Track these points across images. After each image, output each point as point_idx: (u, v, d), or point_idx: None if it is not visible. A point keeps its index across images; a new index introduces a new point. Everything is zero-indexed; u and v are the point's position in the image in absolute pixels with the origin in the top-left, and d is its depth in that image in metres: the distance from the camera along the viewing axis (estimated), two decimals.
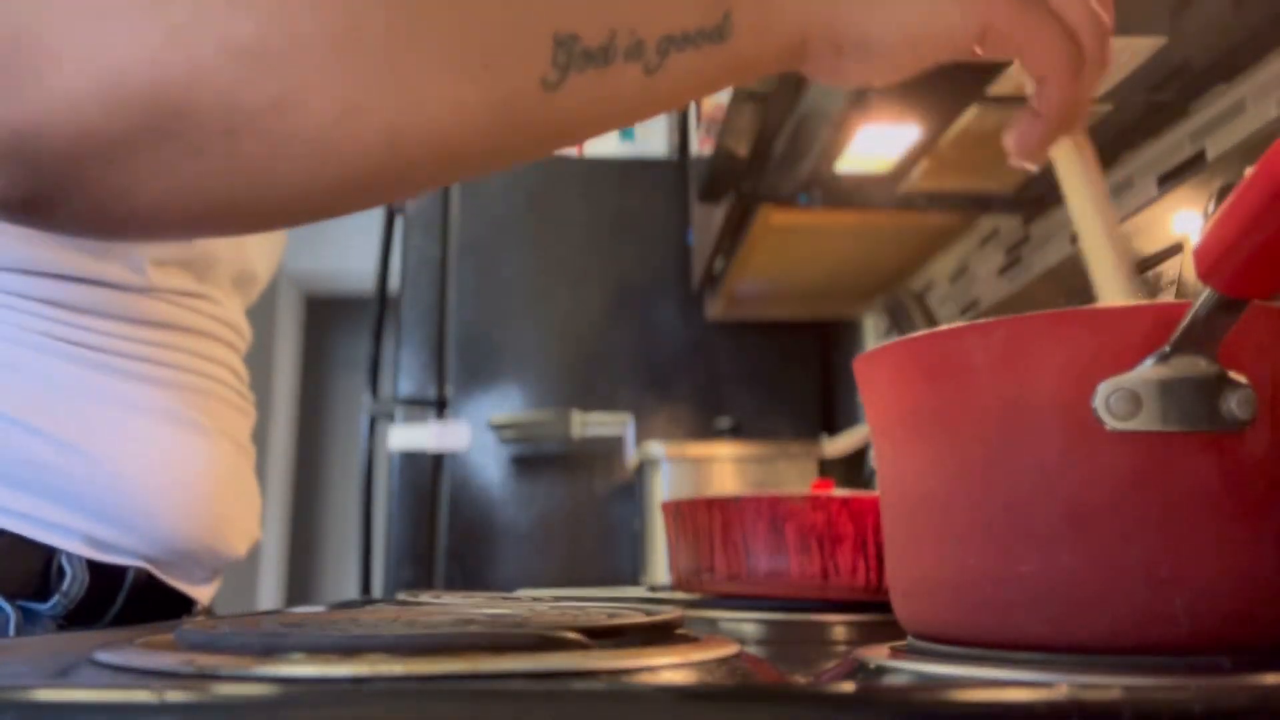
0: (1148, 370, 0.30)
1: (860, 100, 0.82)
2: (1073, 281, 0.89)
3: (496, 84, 0.38)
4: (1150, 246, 0.78)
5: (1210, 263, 0.28)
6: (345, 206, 0.40)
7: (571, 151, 1.94)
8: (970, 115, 0.84)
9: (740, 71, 0.42)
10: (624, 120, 0.42)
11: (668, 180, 1.84)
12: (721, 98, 1.13)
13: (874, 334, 1.62)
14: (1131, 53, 0.73)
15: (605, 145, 1.95)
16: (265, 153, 0.36)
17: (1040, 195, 1.02)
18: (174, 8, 0.34)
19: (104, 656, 0.30)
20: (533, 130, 0.40)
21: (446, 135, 0.38)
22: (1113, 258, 0.44)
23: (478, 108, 0.38)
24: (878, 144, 0.92)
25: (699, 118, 1.35)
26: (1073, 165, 0.47)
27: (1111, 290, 0.42)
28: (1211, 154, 0.79)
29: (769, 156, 1.05)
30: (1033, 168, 0.48)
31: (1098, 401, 0.30)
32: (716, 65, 0.41)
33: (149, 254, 0.65)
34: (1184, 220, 0.73)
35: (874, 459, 1.43)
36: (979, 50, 0.43)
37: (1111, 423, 0.30)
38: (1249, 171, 0.26)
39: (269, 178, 0.37)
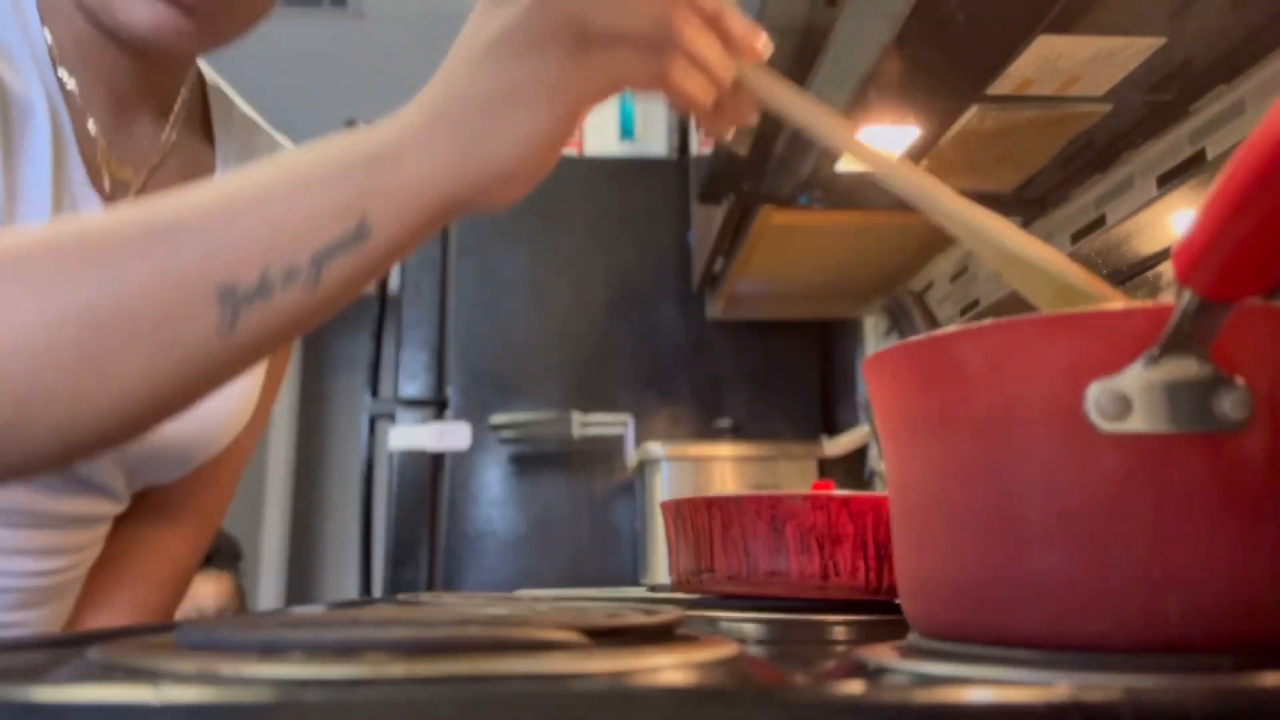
0: (1137, 372, 0.30)
1: (861, 100, 0.82)
2: None
3: (180, 351, 0.43)
4: (1150, 246, 0.78)
5: (1188, 265, 0.28)
6: (82, 458, 0.46)
7: (572, 151, 1.94)
8: (970, 115, 0.84)
9: (391, 258, 0.45)
10: (298, 331, 0.46)
11: (668, 180, 1.84)
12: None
13: (874, 334, 1.62)
14: (1132, 53, 0.73)
15: (605, 145, 1.95)
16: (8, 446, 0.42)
17: (1040, 196, 1.02)
18: None
19: (103, 656, 0.30)
20: (218, 370, 0.45)
21: (150, 402, 0.43)
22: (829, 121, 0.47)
23: (169, 374, 0.43)
24: (878, 144, 0.92)
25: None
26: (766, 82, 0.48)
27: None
28: (1211, 154, 0.79)
29: (769, 156, 1.05)
30: (736, 124, 0.49)
31: (1088, 404, 0.30)
32: (367, 261, 0.44)
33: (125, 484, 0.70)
34: (1184, 220, 0.73)
35: (875, 459, 1.43)
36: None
37: (1102, 424, 0.30)
38: (1222, 174, 0.26)
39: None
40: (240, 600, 1.96)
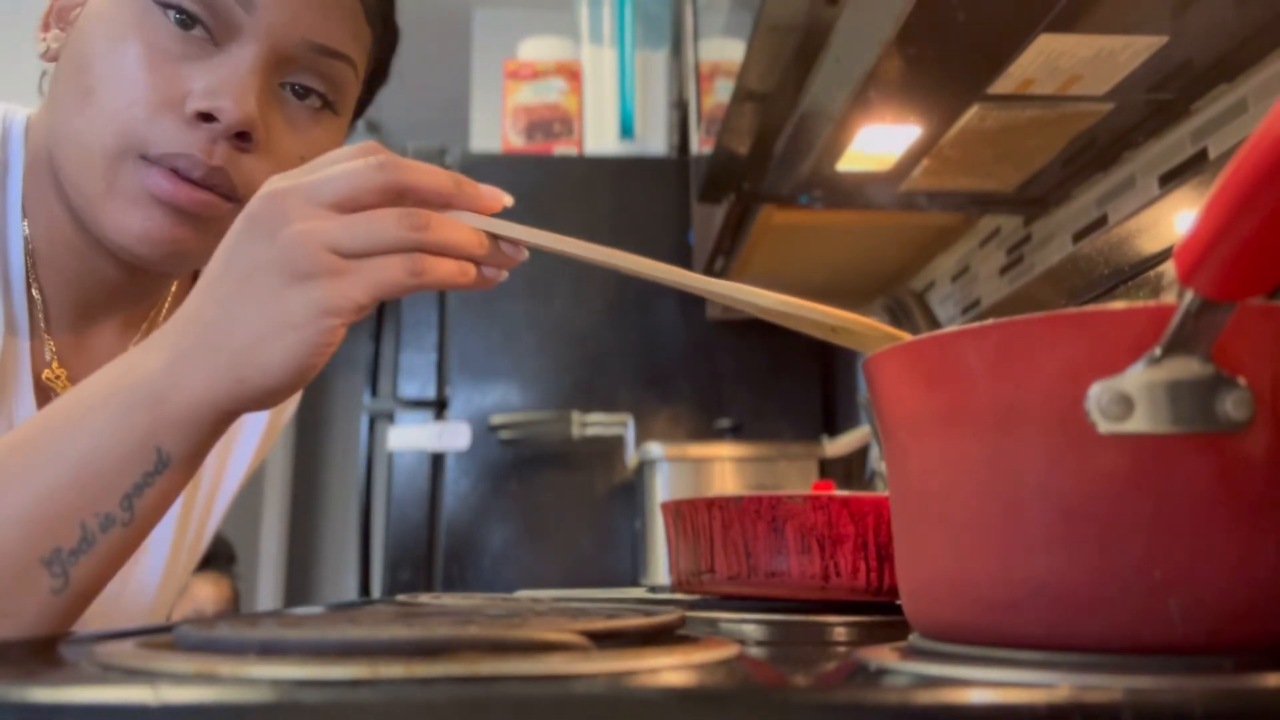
0: (1139, 372, 0.30)
1: (861, 100, 0.82)
2: (1074, 281, 0.89)
3: (19, 615, 0.45)
4: (1151, 246, 0.78)
5: (1190, 266, 0.28)
6: None
7: (572, 151, 1.94)
8: (971, 115, 0.84)
9: (191, 471, 0.49)
10: (126, 559, 0.49)
11: (668, 180, 1.83)
12: (722, 97, 1.13)
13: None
14: (1133, 52, 0.73)
15: (605, 145, 1.95)
16: None
17: (1041, 195, 1.02)
18: None
19: (103, 657, 0.30)
20: (65, 618, 0.48)
21: None
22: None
23: (16, 629, 0.45)
24: (879, 143, 0.92)
25: (699, 117, 1.35)
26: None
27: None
28: (1213, 153, 0.79)
29: (769, 156, 1.05)
30: (504, 272, 0.54)
31: (1090, 404, 0.30)
32: (173, 483, 0.48)
33: None
34: (1186, 220, 0.73)
35: (876, 460, 1.43)
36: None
37: (1104, 425, 0.30)
38: (1223, 174, 0.26)
39: None
40: (236, 603, 1.97)
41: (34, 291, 0.64)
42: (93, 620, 0.69)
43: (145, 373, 0.47)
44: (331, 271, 0.46)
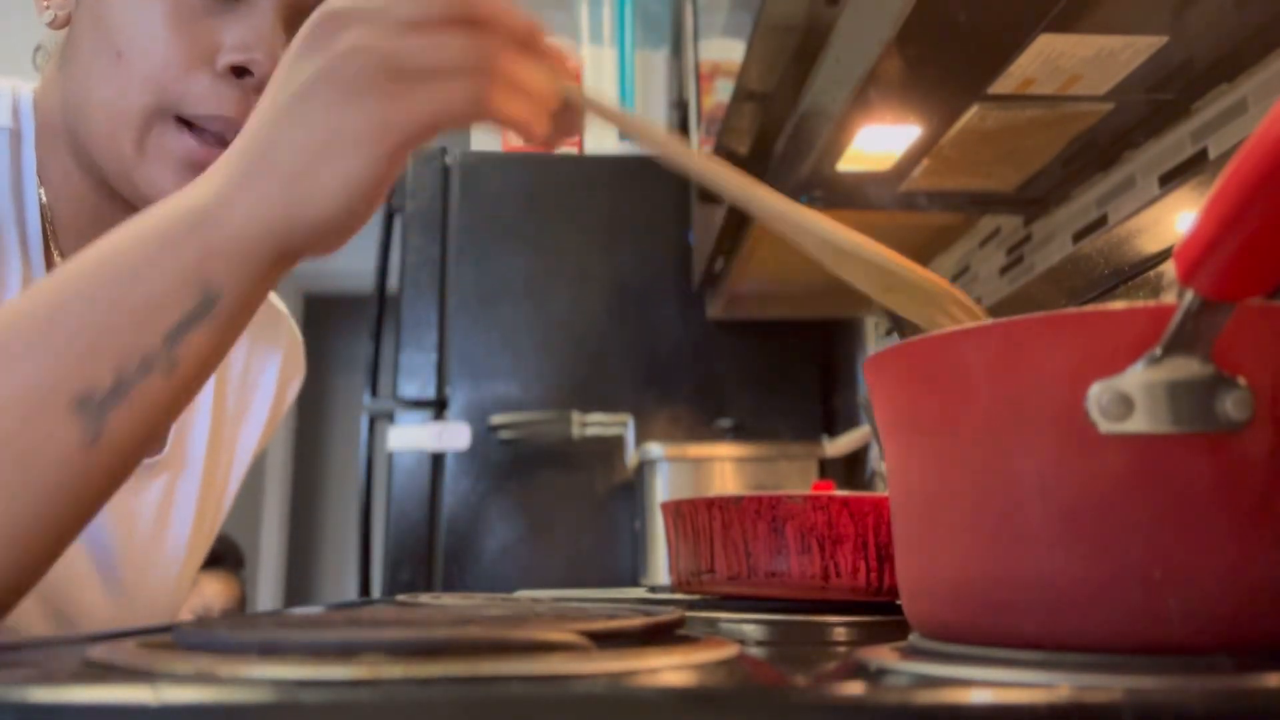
0: (1139, 372, 0.30)
1: (861, 100, 0.82)
2: (1074, 281, 0.89)
3: (44, 469, 0.40)
4: (1152, 246, 0.78)
5: (1190, 266, 0.28)
6: None
7: (572, 150, 1.94)
8: (971, 114, 0.84)
9: (242, 318, 0.44)
10: (169, 419, 0.44)
11: (668, 180, 1.83)
12: (722, 97, 1.13)
13: (874, 334, 1.62)
14: (1133, 52, 0.73)
15: (605, 145, 1.95)
16: None
17: (1042, 195, 1.02)
18: None
19: (102, 657, 0.30)
20: (89, 489, 0.42)
21: (25, 539, 0.40)
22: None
23: (38, 495, 0.40)
24: (879, 143, 0.92)
25: (699, 117, 1.35)
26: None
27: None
28: (1213, 153, 0.79)
29: (769, 156, 1.05)
30: (557, 142, 0.49)
31: (1090, 403, 0.30)
32: (220, 328, 0.43)
33: None
34: (1186, 220, 0.73)
35: (876, 459, 1.43)
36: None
37: (1104, 424, 0.30)
38: (1223, 174, 0.26)
39: None
40: (243, 602, 1.98)
41: (56, 257, 0.64)
42: (127, 596, 0.70)
43: (194, 201, 0.43)
44: (390, 89, 0.42)
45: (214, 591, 1.89)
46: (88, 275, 0.42)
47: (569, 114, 0.47)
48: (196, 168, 0.58)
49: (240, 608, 1.97)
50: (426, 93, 0.42)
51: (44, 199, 0.64)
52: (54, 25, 0.63)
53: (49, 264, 0.64)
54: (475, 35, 0.43)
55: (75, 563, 0.67)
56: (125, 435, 0.42)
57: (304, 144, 0.42)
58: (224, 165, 0.44)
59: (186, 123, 0.59)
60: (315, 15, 0.43)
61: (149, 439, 0.43)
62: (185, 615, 1.82)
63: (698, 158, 0.46)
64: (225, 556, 1.94)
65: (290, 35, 0.61)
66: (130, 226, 0.43)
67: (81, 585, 0.68)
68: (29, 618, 0.64)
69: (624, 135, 0.49)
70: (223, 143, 0.59)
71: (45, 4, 0.64)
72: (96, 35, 0.59)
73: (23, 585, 0.43)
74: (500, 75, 0.43)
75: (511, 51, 0.44)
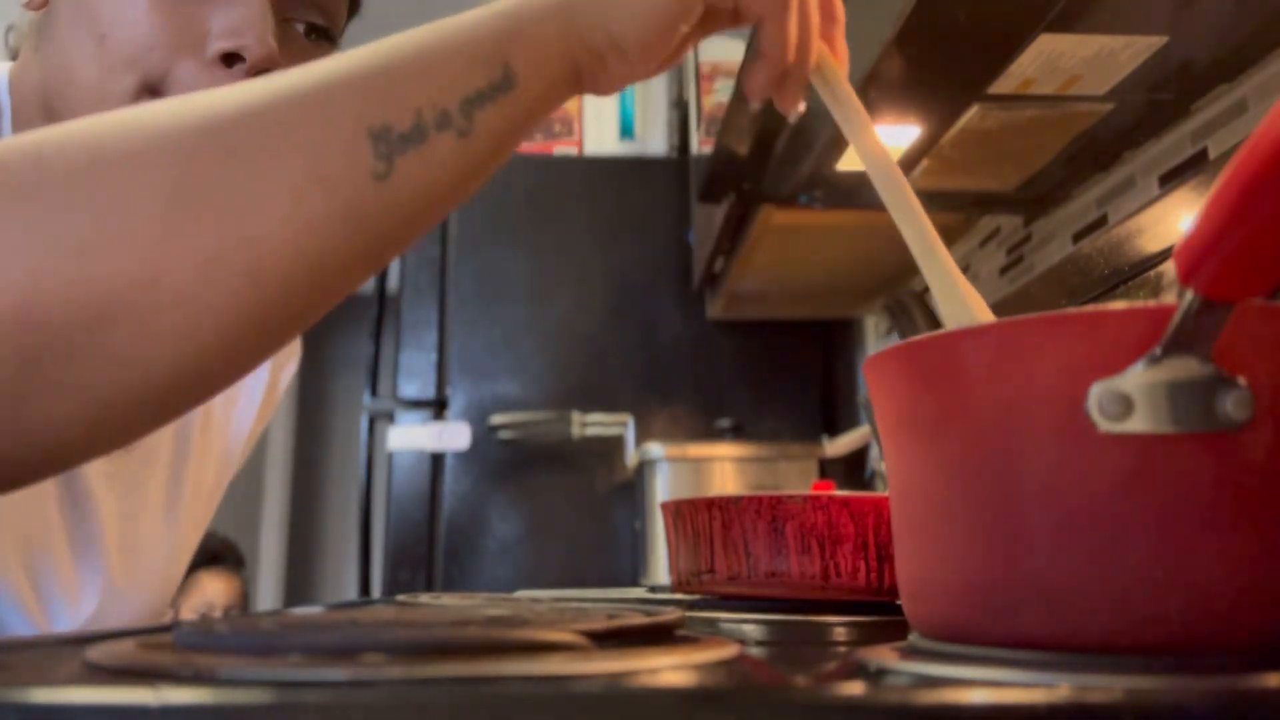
0: (1139, 372, 0.30)
1: (862, 99, 0.82)
2: (1074, 281, 0.89)
3: (333, 192, 0.39)
4: (1152, 246, 0.78)
5: (1189, 265, 0.28)
6: (235, 368, 0.41)
7: (571, 150, 1.94)
8: (971, 115, 0.84)
9: (536, 112, 0.46)
10: (456, 191, 0.44)
11: (668, 180, 1.83)
12: (722, 97, 1.13)
13: (874, 334, 1.62)
14: (1133, 52, 0.73)
15: (605, 145, 1.95)
16: (139, 333, 0.36)
17: (1041, 195, 1.02)
18: (6, 229, 0.35)
19: (102, 657, 0.30)
20: (378, 225, 0.41)
21: (304, 257, 0.39)
22: (896, 178, 0.51)
23: (324, 220, 0.39)
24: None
25: (699, 117, 1.35)
26: (835, 91, 0.52)
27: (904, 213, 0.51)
28: (1213, 153, 0.79)
29: (769, 156, 1.05)
30: (792, 108, 0.53)
31: (1090, 403, 0.30)
32: (516, 112, 0.44)
33: None
34: (1186, 220, 0.73)
35: (876, 459, 1.43)
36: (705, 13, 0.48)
37: (1104, 424, 0.30)
38: (1223, 174, 0.26)
39: (151, 358, 0.37)
40: (245, 600, 1.99)
41: None
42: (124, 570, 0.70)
43: (507, 4, 0.45)
44: None
45: (216, 590, 1.89)
46: (394, 44, 0.43)
47: (798, 85, 0.51)
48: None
49: (243, 606, 1.97)
50: None
51: None
52: (31, 6, 0.62)
53: None
54: None
55: (59, 553, 0.67)
56: (414, 184, 0.42)
57: None
58: None
59: None
60: None
61: (435, 204, 0.43)
62: (187, 614, 1.83)
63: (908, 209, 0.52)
64: (225, 556, 1.94)
65: (279, 20, 0.60)
66: (436, 23, 0.45)
67: (67, 577, 0.68)
68: (13, 613, 0.64)
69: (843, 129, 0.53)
70: None
71: None
72: (79, 16, 0.58)
73: (283, 328, 0.42)
74: (801, 7, 0.48)
75: (818, 7, 0.49)
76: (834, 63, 0.51)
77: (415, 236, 0.44)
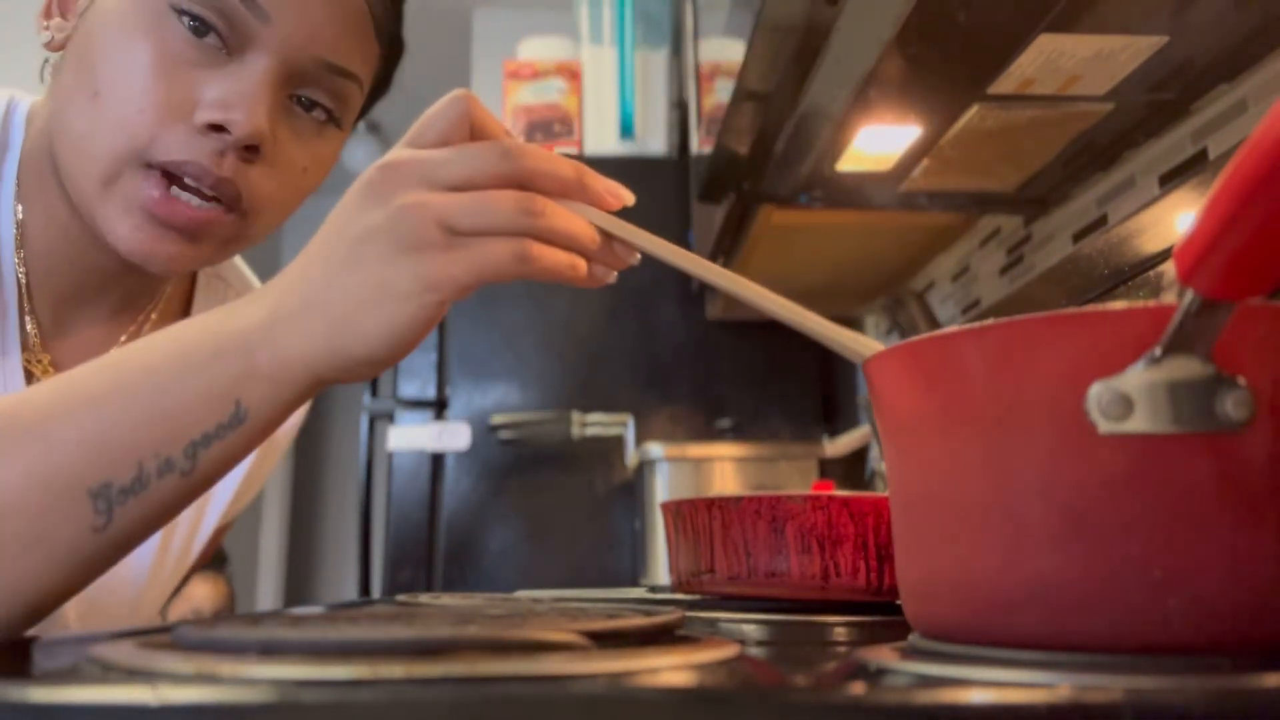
0: (1139, 372, 0.30)
1: (861, 100, 0.82)
2: (1074, 281, 0.89)
3: (53, 549, 0.43)
4: (1152, 246, 0.78)
5: (1190, 265, 0.28)
6: None
7: (571, 150, 1.94)
8: (971, 115, 0.84)
9: (265, 434, 0.47)
10: (172, 516, 0.47)
11: (668, 180, 1.83)
12: (722, 97, 1.13)
13: (875, 334, 1.62)
14: (1133, 51, 0.73)
15: (605, 144, 1.95)
16: None
17: (1041, 195, 1.02)
18: None
19: (102, 657, 0.30)
20: (95, 564, 0.45)
21: (25, 601, 0.44)
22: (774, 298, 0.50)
23: (42, 571, 0.43)
24: (879, 143, 0.92)
25: (699, 117, 1.35)
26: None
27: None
28: (1213, 153, 0.79)
29: (769, 156, 1.05)
30: (612, 276, 0.53)
31: (1089, 404, 0.30)
32: (242, 441, 0.46)
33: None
34: (1186, 220, 0.73)
35: (876, 459, 1.43)
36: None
37: (1104, 425, 0.30)
38: (1223, 174, 0.26)
39: None
40: (232, 602, 1.97)
41: (19, 269, 0.64)
42: (81, 616, 0.69)
43: (242, 324, 0.46)
44: (441, 246, 0.45)
45: (203, 594, 1.88)
46: (128, 375, 0.45)
47: (611, 249, 0.51)
48: (155, 220, 0.58)
49: (230, 608, 1.96)
50: (475, 251, 0.45)
51: (20, 215, 0.64)
52: (50, 47, 0.63)
53: (15, 278, 0.64)
54: (520, 195, 0.46)
55: None
56: (133, 526, 0.45)
57: (356, 290, 0.45)
58: (273, 295, 0.47)
59: (154, 167, 0.58)
60: (374, 167, 0.46)
61: (152, 531, 0.46)
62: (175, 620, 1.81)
63: (717, 271, 0.51)
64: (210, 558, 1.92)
65: (283, 96, 0.60)
66: (176, 336, 0.46)
67: None
68: None
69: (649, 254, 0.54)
70: (197, 194, 0.58)
71: (45, 24, 0.63)
72: (79, 69, 0.58)
73: (20, 631, 0.46)
74: (543, 231, 0.47)
75: (554, 206, 0.47)
76: (605, 216, 0.51)
77: (126, 555, 0.47)
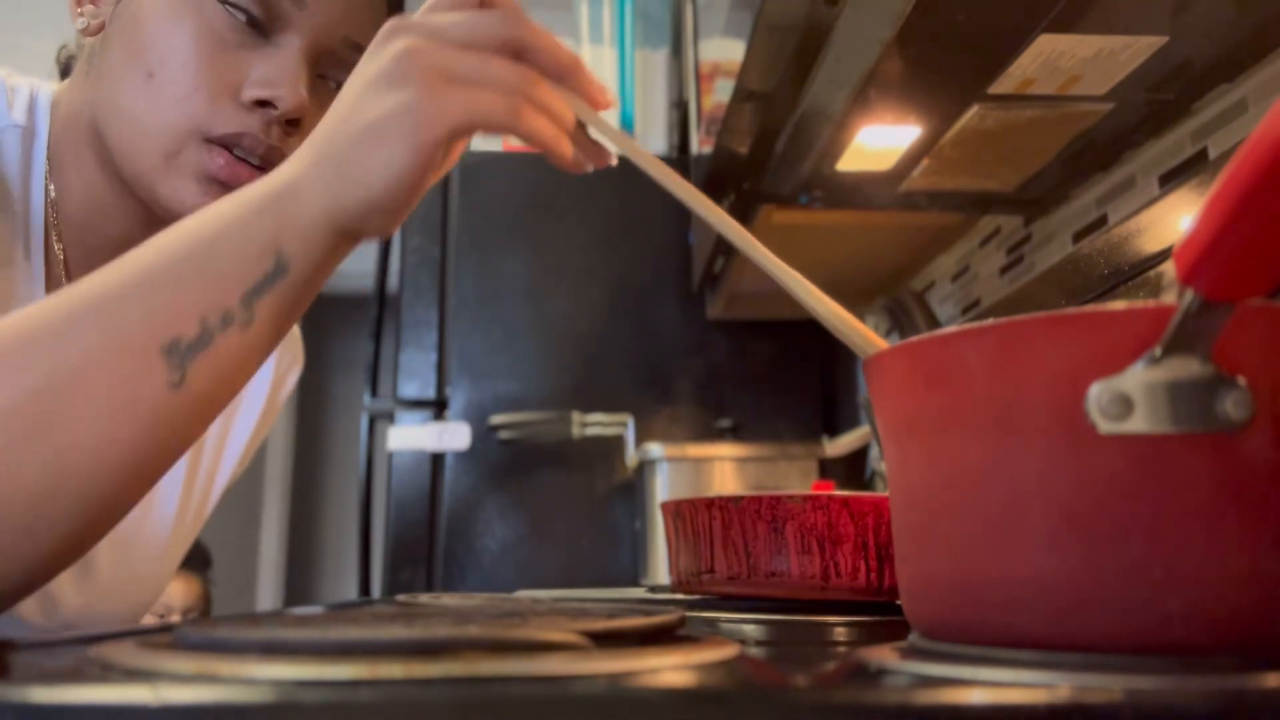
0: (1139, 372, 0.30)
1: (861, 100, 0.82)
2: (1074, 281, 0.89)
3: (137, 411, 0.45)
4: (1152, 246, 0.78)
5: (1190, 265, 0.28)
6: (71, 557, 0.48)
7: None
8: (971, 114, 0.84)
9: (312, 287, 0.50)
10: (246, 374, 0.49)
11: None
12: (722, 97, 1.13)
13: (875, 334, 1.62)
14: (1133, 52, 0.73)
15: (605, 145, 1.95)
16: None
17: (1041, 195, 1.02)
18: None
19: (102, 657, 0.30)
20: (178, 426, 0.47)
21: (120, 471, 0.46)
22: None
23: (132, 436, 0.45)
24: (879, 143, 0.92)
25: (699, 117, 1.35)
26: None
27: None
28: (1213, 153, 0.79)
29: (769, 156, 1.05)
30: (591, 165, 0.54)
31: (1089, 404, 0.30)
32: (292, 293, 0.48)
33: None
34: (1186, 220, 0.73)
35: (876, 459, 1.43)
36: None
37: (1104, 425, 0.30)
38: (1223, 174, 0.26)
39: None
40: (207, 605, 1.96)
41: (56, 247, 0.67)
42: (113, 563, 0.71)
43: (272, 183, 0.49)
44: (433, 83, 0.47)
45: (176, 591, 1.87)
46: (178, 242, 0.48)
47: (590, 142, 0.53)
48: (219, 184, 0.62)
49: (205, 608, 1.95)
50: (467, 94, 0.47)
51: (52, 194, 0.67)
52: (87, 33, 0.66)
53: (47, 254, 0.67)
54: (516, 63, 0.49)
55: None
56: (207, 382, 0.47)
57: (358, 132, 0.47)
58: (299, 154, 0.50)
59: (212, 141, 0.62)
60: (385, 26, 0.49)
61: (227, 390, 0.49)
62: (149, 618, 1.81)
63: (689, 188, 0.52)
64: (190, 557, 1.92)
65: (314, 74, 0.65)
66: (214, 206, 0.49)
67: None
68: None
69: (624, 156, 0.55)
70: (245, 162, 0.63)
71: (80, 10, 0.67)
72: (129, 51, 0.62)
73: (112, 520, 0.48)
74: (535, 98, 0.49)
75: (546, 83, 0.50)
76: (590, 110, 0.52)
77: (208, 424, 0.49)
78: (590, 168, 0.53)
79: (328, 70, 0.66)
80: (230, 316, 0.47)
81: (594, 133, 0.53)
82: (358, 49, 0.65)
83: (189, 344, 0.46)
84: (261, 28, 0.62)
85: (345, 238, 0.49)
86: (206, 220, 0.48)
